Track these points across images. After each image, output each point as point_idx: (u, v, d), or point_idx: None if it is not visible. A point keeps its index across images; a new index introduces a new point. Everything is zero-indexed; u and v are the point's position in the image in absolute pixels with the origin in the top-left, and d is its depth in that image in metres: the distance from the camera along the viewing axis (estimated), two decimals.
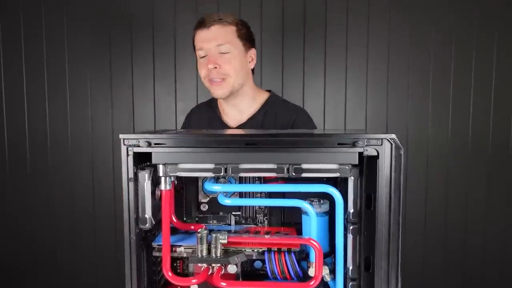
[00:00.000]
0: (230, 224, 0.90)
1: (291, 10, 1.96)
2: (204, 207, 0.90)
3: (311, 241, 0.73)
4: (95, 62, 2.00)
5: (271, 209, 0.90)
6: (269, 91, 1.29)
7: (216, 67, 1.12)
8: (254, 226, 0.90)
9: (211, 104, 1.30)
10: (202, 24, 1.14)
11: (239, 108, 1.22)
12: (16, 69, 2.01)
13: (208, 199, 0.89)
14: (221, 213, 0.90)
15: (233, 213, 0.90)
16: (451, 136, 1.99)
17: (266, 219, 0.91)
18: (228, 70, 1.14)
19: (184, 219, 0.90)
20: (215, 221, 0.90)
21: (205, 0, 1.96)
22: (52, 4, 1.98)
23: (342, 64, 1.98)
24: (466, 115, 1.98)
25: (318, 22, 1.96)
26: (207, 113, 1.29)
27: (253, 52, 1.22)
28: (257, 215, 0.90)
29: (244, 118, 1.22)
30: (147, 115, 2.02)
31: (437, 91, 1.98)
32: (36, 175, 2.05)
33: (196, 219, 0.90)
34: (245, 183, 0.86)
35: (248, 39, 1.19)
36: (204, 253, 0.74)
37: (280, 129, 1.19)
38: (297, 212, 0.84)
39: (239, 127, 1.22)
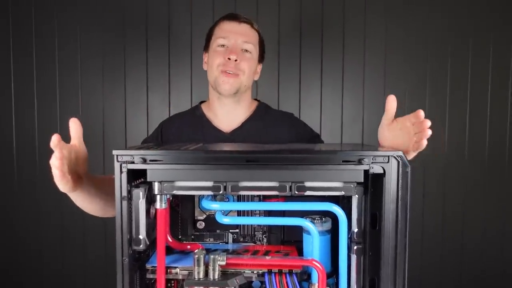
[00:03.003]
0: (227, 243, 0.87)
1: (286, 20, 1.95)
2: (201, 225, 0.86)
3: (314, 262, 0.70)
4: (87, 70, 1.96)
5: (270, 226, 0.86)
6: (256, 100, 1.27)
7: (236, 60, 1.10)
8: (252, 244, 0.86)
9: (195, 112, 1.22)
10: (234, 17, 1.14)
11: (235, 113, 1.17)
12: (5, 74, 1.95)
13: (204, 216, 0.86)
14: (218, 231, 0.86)
15: (230, 231, 0.86)
16: (448, 146, 1.99)
17: (265, 237, 0.87)
18: (245, 67, 1.11)
19: (180, 237, 0.86)
20: (211, 239, 0.87)
21: (199, 6, 1.93)
22: (44, 8, 1.93)
23: (338, 75, 1.97)
24: (462, 124, 1.98)
25: (314, 32, 1.95)
26: (192, 122, 1.19)
27: (260, 67, 1.22)
28: (255, 232, 0.87)
29: (236, 124, 1.17)
30: (140, 123, 1.98)
31: (433, 101, 1.98)
32: (24, 184, 1.98)
33: (192, 237, 0.86)
34: (243, 200, 0.82)
35: (262, 52, 1.20)
36: (201, 275, 0.70)
37: (281, 136, 1.17)
38: (298, 230, 0.80)
39: (233, 132, 1.16)
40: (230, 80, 1.10)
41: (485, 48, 1.95)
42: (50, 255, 2.01)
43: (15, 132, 1.97)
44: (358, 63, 1.96)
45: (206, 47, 1.19)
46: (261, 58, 1.20)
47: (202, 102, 1.26)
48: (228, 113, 1.17)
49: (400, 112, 1.99)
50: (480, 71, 1.96)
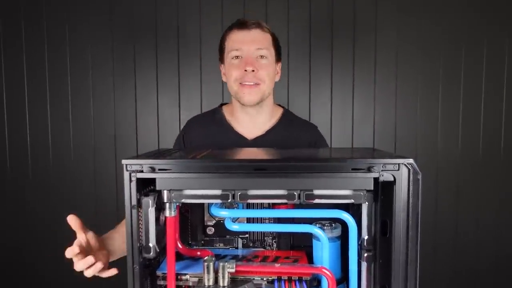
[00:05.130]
0: (237, 248, 0.87)
1: (297, 20, 1.93)
2: (210, 230, 0.86)
3: (324, 270, 0.70)
4: (98, 73, 1.98)
5: (279, 232, 0.86)
6: (280, 106, 1.25)
7: (253, 70, 1.07)
8: (262, 249, 0.86)
9: (216, 116, 1.20)
10: (242, 25, 1.09)
11: (258, 121, 1.16)
12: (18, 80, 1.99)
13: (214, 222, 0.86)
14: (227, 236, 0.87)
15: (240, 236, 0.87)
16: (461, 148, 1.95)
17: (274, 242, 0.87)
18: (263, 76, 1.09)
19: (190, 242, 0.86)
20: (221, 244, 0.87)
21: (209, 7, 1.93)
22: (56, 11, 1.95)
23: (349, 75, 1.95)
24: (476, 126, 1.94)
25: (325, 32, 1.94)
26: (214, 125, 1.18)
27: (279, 65, 1.18)
28: (265, 238, 0.87)
29: (260, 131, 1.16)
30: (150, 126, 1.99)
31: (446, 102, 1.94)
32: (36, 185, 2.02)
33: (202, 242, 0.87)
34: (253, 206, 0.82)
35: (278, 51, 1.16)
36: (211, 282, 0.71)
37: (302, 146, 1.16)
38: (307, 235, 0.80)
39: (257, 139, 1.14)
40: (251, 91, 1.08)
41: (499, 46, 1.90)
42: (61, 257, 2.04)
43: (29, 138, 2.01)
44: (368, 63, 1.94)
45: (221, 59, 1.16)
46: (278, 56, 1.16)
47: (223, 104, 1.24)
48: (251, 120, 1.16)
49: (413, 114, 1.96)
50: (494, 74, 1.91)
